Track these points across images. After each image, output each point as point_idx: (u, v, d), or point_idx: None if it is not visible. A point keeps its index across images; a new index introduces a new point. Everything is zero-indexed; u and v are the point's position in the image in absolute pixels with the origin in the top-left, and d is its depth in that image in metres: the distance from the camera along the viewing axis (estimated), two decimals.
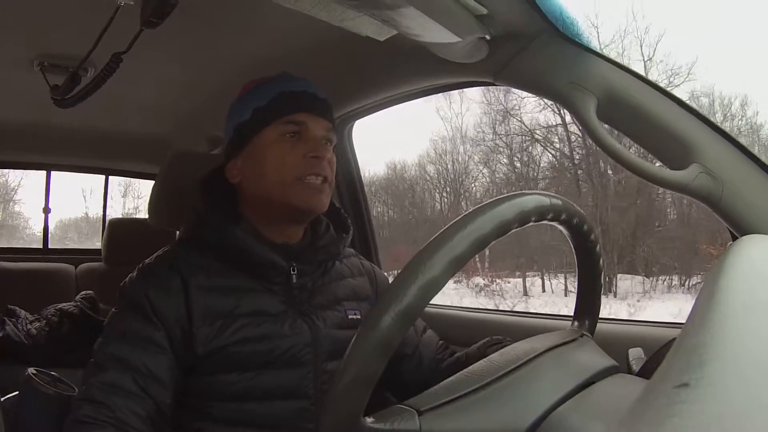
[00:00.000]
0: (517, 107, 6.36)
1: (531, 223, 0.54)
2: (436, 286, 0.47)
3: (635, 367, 0.71)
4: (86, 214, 6.69)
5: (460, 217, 0.50)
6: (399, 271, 0.49)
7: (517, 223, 0.52)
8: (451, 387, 0.53)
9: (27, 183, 6.16)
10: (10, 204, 6.34)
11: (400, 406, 0.51)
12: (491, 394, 0.53)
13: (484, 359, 0.59)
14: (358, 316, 0.97)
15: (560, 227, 0.62)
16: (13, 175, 6.24)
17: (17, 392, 0.90)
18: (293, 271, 0.92)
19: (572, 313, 0.75)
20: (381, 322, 0.46)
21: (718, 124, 0.82)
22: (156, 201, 1.20)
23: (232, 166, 0.96)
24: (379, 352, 0.46)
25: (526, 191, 0.55)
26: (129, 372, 0.81)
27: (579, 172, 5.88)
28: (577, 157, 6.02)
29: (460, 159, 7.21)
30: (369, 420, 0.48)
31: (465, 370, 0.57)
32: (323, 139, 0.94)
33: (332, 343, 0.92)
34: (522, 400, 0.52)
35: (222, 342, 0.85)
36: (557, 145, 6.20)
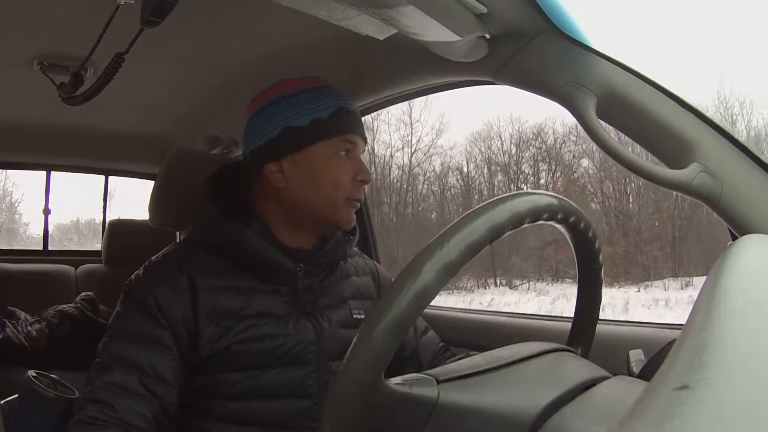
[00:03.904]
0: None
1: (526, 225, 0.54)
2: (428, 295, 0.46)
3: (635, 369, 0.71)
4: (77, 219, 6.71)
5: (452, 223, 0.50)
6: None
7: (510, 226, 0.51)
8: (469, 364, 0.55)
9: (26, 197, 6.20)
10: (14, 215, 6.39)
11: (419, 374, 0.52)
12: (508, 375, 0.54)
13: (504, 347, 0.60)
14: (362, 316, 0.97)
15: (558, 226, 0.61)
16: (17, 193, 6.28)
17: (17, 395, 0.90)
18: (300, 273, 0.93)
19: (570, 315, 0.75)
20: (374, 334, 0.46)
21: (719, 122, 0.82)
22: (156, 201, 1.20)
23: (276, 168, 0.92)
24: (373, 364, 0.46)
25: (521, 191, 0.54)
26: (134, 372, 0.81)
27: None
28: None
29: None
30: (391, 382, 0.49)
31: (483, 353, 0.58)
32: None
33: (336, 343, 0.92)
34: (535, 385, 0.53)
35: (226, 342, 0.85)
36: None
